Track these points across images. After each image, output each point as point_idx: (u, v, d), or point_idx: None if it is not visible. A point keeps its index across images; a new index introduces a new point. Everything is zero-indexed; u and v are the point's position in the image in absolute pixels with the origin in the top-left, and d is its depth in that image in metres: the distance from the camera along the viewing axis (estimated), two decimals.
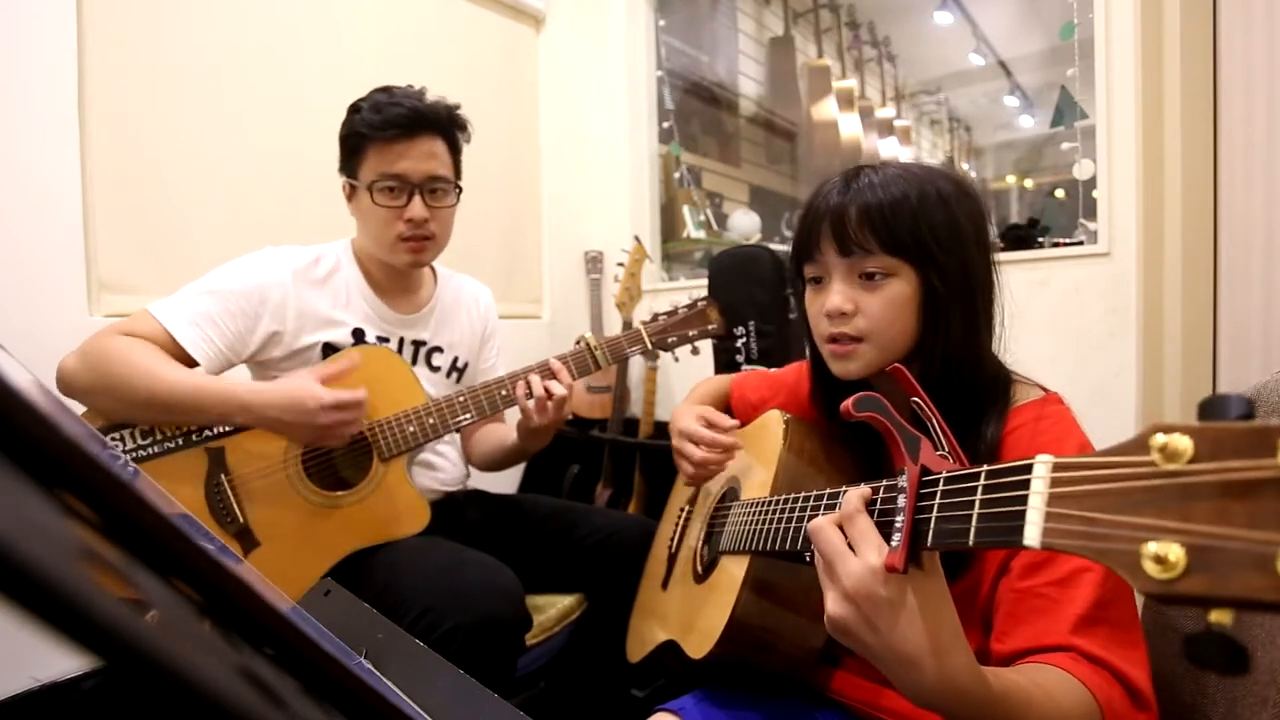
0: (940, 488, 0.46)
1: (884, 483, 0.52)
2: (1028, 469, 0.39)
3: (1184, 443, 0.30)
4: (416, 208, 1.11)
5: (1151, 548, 0.30)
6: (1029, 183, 1.82)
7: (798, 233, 0.75)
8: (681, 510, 1.06)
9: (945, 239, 0.69)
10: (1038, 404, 0.70)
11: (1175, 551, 0.29)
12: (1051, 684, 0.54)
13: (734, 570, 0.77)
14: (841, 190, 0.71)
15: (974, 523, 0.42)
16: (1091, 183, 1.58)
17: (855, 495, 0.51)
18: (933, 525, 0.45)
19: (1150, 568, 0.30)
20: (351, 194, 1.16)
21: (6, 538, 0.13)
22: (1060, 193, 1.69)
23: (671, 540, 1.05)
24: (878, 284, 0.70)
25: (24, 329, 1.22)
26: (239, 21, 1.57)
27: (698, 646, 0.79)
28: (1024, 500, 0.38)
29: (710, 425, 0.90)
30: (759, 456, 0.85)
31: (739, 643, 0.75)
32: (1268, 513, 0.27)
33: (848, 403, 0.52)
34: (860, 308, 0.71)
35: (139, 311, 1.03)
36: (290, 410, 0.99)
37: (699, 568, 0.90)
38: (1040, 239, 1.67)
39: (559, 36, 2.35)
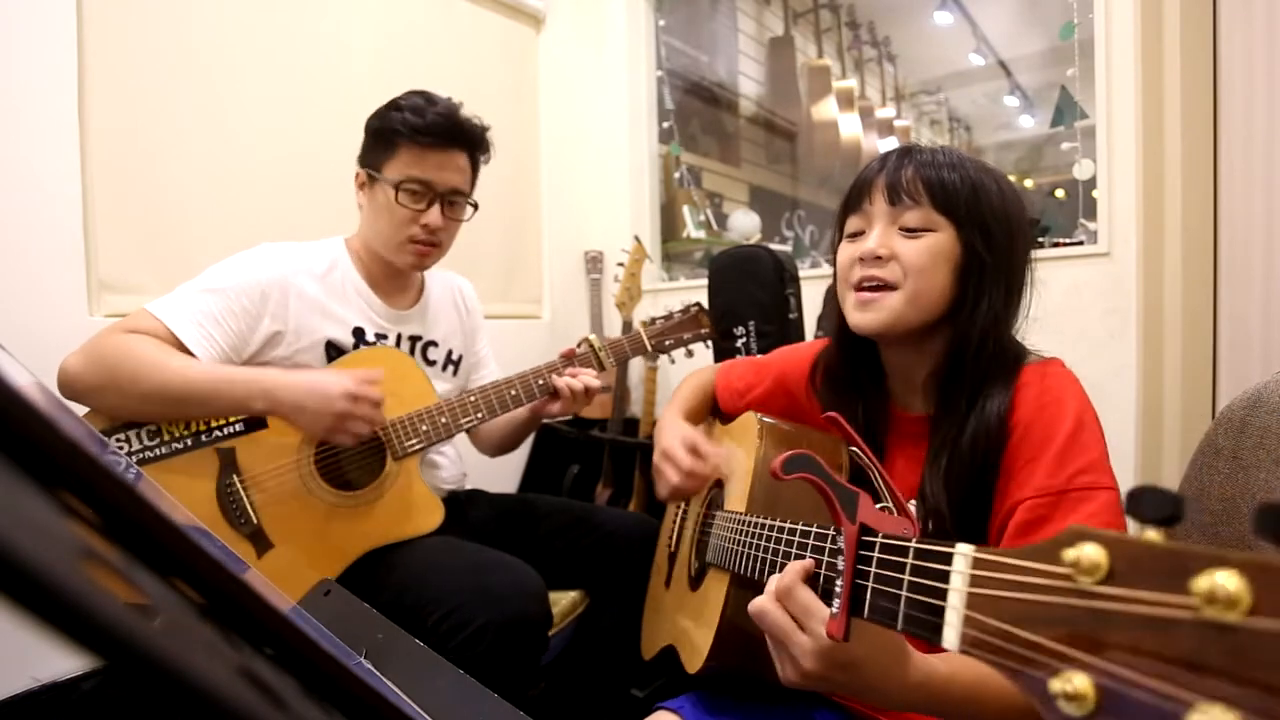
0: (877, 553, 0.45)
1: (830, 531, 0.53)
2: (948, 558, 0.38)
3: (1098, 556, 0.28)
4: (434, 215, 1.13)
5: (1059, 684, 0.28)
6: (1029, 183, 1.82)
7: (850, 187, 0.76)
8: (678, 506, 1.06)
9: (998, 214, 0.70)
10: (1041, 365, 0.72)
11: (1085, 686, 0.27)
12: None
13: (719, 587, 0.77)
14: (904, 154, 0.72)
15: (901, 606, 0.41)
16: (1091, 183, 1.58)
17: (794, 568, 0.52)
18: (869, 596, 0.45)
19: (1062, 704, 0.27)
20: (369, 185, 1.16)
21: (6, 538, 0.13)
22: (1060, 193, 1.69)
23: (671, 537, 1.05)
24: (917, 236, 0.70)
25: (24, 329, 1.22)
26: (239, 22, 1.57)
27: (690, 661, 0.80)
28: (944, 595, 0.37)
29: (694, 451, 0.87)
30: (739, 461, 0.85)
31: (729, 657, 0.75)
32: (1178, 659, 0.25)
33: (775, 464, 0.51)
34: (896, 254, 0.70)
35: (138, 311, 1.02)
36: (311, 395, 0.98)
37: (691, 572, 0.90)
38: (1040, 239, 1.67)
39: (559, 36, 2.34)
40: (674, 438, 0.89)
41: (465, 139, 1.15)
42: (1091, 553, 0.28)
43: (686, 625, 0.86)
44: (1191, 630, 0.24)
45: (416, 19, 1.94)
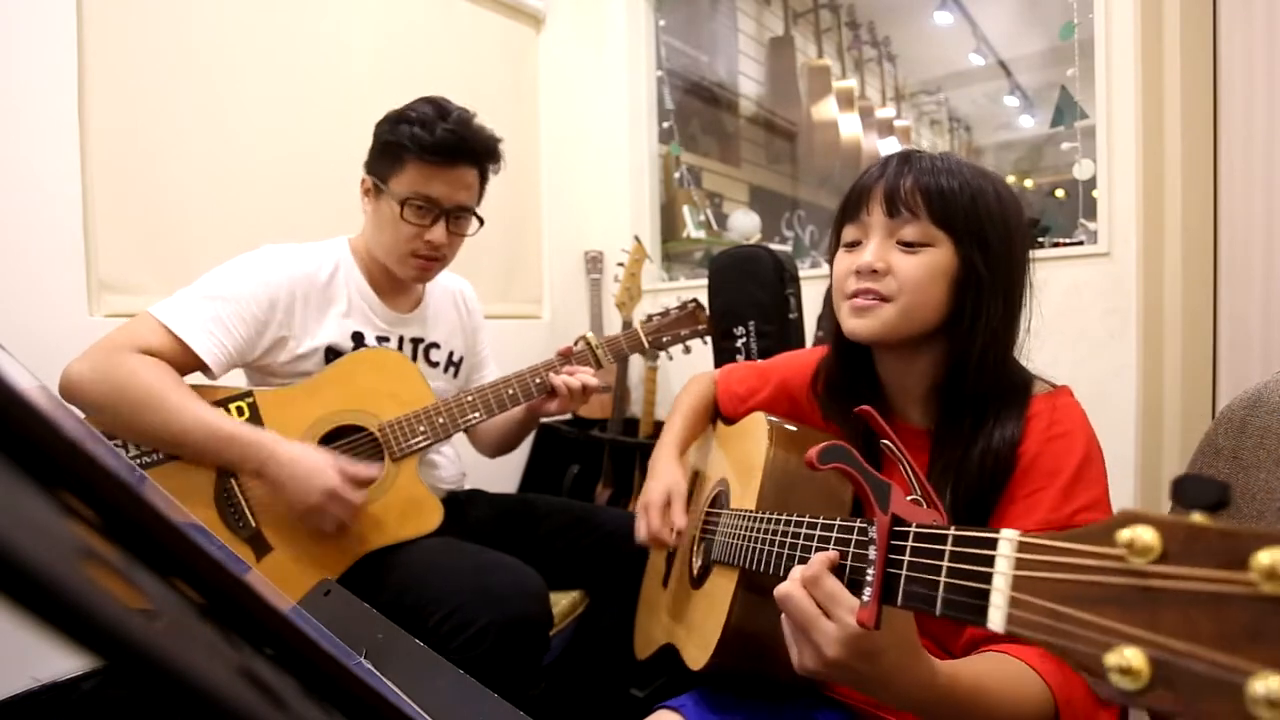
0: (910, 542, 0.45)
1: (857, 523, 0.52)
2: (993, 543, 0.38)
3: (1151, 538, 0.29)
4: (439, 232, 1.12)
5: (1114, 659, 0.28)
6: (1029, 183, 1.82)
7: (847, 195, 0.76)
8: None
9: (998, 226, 0.70)
10: (1050, 395, 0.72)
11: (1139, 660, 0.28)
12: (1008, 676, 0.57)
13: (725, 584, 0.77)
14: (902, 161, 0.72)
15: (940, 591, 0.41)
16: (1091, 183, 1.58)
17: (820, 558, 0.52)
18: (902, 584, 0.45)
19: (1115, 678, 0.28)
20: (374, 194, 1.14)
21: (6, 538, 0.13)
22: (1060, 193, 1.70)
23: None
24: (915, 251, 0.70)
25: (24, 329, 1.22)
26: (239, 22, 1.57)
27: (694, 659, 0.80)
28: (988, 578, 0.38)
29: (669, 506, 0.89)
30: (746, 461, 0.85)
31: (734, 656, 0.75)
32: (1236, 632, 0.26)
33: (812, 453, 0.51)
34: (893, 268, 0.70)
35: (143, 315, 1.00)
36: (298, 479, 0.97)
37: (694, 571, 0.90)
38: (1040, 239, 1.67)
39: (559, 36, 2.35)
40: (658, 495, 0.90)
41: (475, 155, 1.12)
42: (1145, 534, 0.29)
43: (689, 624, 0.86)
44: (1249, 604, 0.26)
45: (416, 19, 1.94)
